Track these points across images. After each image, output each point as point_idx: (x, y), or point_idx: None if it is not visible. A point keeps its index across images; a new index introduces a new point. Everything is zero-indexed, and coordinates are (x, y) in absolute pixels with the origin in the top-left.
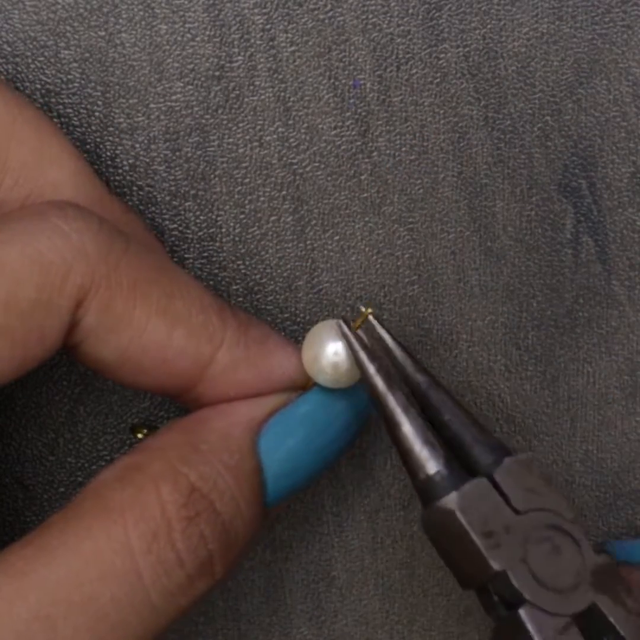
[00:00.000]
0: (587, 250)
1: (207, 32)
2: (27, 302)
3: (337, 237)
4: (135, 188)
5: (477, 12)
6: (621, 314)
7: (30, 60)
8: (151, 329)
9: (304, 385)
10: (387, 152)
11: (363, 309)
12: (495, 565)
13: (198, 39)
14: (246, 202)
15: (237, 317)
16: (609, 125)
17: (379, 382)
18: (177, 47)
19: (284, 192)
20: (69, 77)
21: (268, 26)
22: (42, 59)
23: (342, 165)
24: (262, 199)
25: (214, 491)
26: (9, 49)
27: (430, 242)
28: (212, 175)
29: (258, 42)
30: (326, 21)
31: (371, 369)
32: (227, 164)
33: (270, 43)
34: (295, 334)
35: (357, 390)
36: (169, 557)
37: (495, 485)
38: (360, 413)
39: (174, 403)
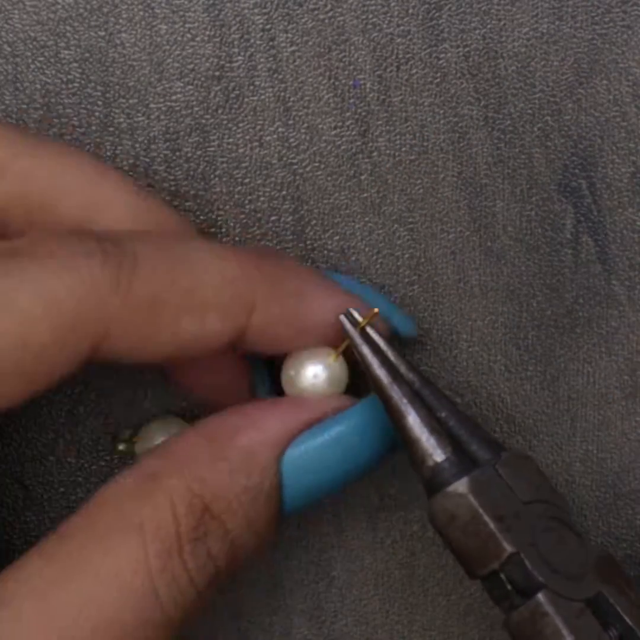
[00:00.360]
0: (587, 250)
1: (207, 32)
2: (39, 345)
3: (337, 237)
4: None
5: (477, 12)
6: (621, 314)
7: (30, 60)
8: (183, 329)
9: (339, 335)
10: (387, 152)
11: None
12: (509, 547)
13: (198, 39)
14: (246, 202)
15: (267, 273)
16: (609, 125)
17: (383, 374)
18: (177, 47)
19: (284, 192)
20: (69, 77)
21: (268, 26)
22: (42, 59)
23: (342, 165)
24: (262, 199)
25: (226, 512)
26: (9, 49)
27: (430, 242)
28: (212, 175)
29: (258, 42)
30: (326, 21)
31: (375, 362)
32: (227, 164)
33: (270, 43)
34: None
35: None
36: (181, 575)
37: (499, 476)
38: (392, 440)
39: (175, 403)
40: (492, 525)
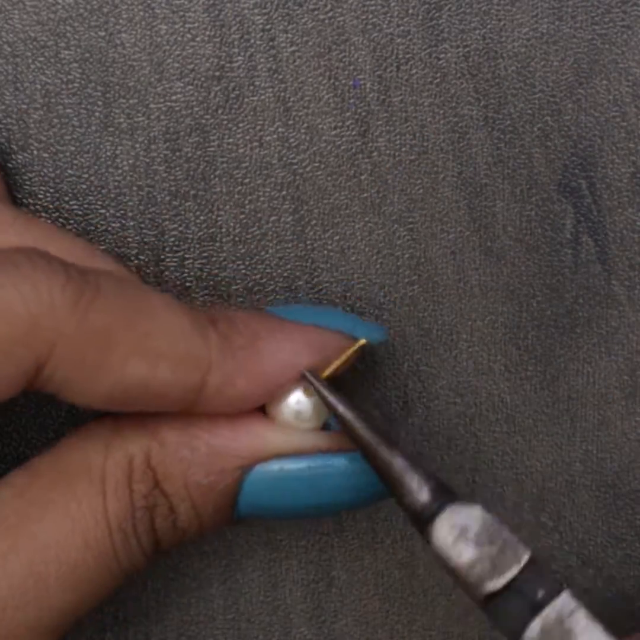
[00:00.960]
0: (587, 250)
1: (207, 32)
2: None
3: (337, 237)
4: (135, 188)
5: (477, 12)
6: (621, 314)
7: (30, 60)
8: (131, 371)
9: (311, 361)
10: (387, 152)
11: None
12: (528, 551)
13: (198, 39)
14: (246, 202)
15: (218, 330)
16: (609, 125)
17: (356, 422)
18: (177, 47)
19: (284, 192)
20: (69, 77)
21: (268, 26)
22: (42, 59)
23: (342, 165)
24: (262, 199)
25: (175, 496)
26: (9, 49)
27: (430, 242)
28: (212, 175)
29: (258, 42)
30: (326, 21)
31: (347, 413)
32: (227, 164)
33: (270, 43)
34: None
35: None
36: (131, 537)
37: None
38: (369, 496)
39: None
40: (508, 530)
